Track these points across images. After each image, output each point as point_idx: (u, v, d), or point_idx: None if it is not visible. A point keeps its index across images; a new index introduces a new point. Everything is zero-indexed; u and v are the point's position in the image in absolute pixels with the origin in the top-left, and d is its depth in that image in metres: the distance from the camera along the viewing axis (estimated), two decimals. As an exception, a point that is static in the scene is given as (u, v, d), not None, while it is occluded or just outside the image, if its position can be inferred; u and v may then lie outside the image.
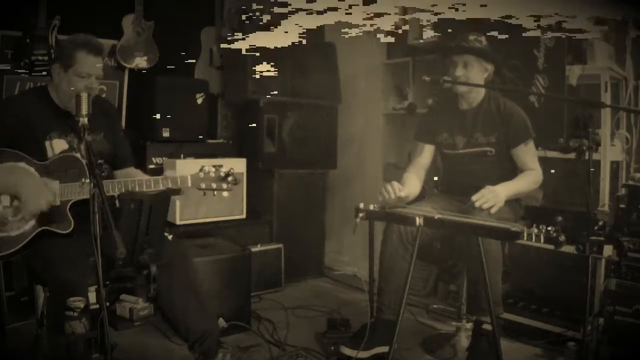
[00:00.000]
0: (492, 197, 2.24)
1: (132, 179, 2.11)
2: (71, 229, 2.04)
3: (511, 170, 2.53)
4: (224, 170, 2.13)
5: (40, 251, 2.01)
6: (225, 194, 2.15)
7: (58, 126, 2.15)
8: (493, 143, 2.55)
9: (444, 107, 2.75)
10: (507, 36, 2.79)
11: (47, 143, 2.12)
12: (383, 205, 2.35)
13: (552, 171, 2.68)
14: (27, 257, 2.09)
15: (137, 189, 2.07)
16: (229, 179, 2.14)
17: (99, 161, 2.19)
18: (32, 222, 2.01)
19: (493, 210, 2.22)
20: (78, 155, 2.12)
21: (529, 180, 2.48)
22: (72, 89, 2.06)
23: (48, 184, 2.01)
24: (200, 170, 2.13)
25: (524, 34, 2.78)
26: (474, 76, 2.51)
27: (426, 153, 2.71)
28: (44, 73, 2.96)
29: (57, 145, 2.13)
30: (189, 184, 2.11)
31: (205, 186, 2.13)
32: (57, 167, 2.06)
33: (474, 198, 2.23)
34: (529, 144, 2.52)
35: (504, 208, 2.31)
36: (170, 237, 2.02)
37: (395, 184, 2.39)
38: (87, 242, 1.92)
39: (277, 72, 3.62)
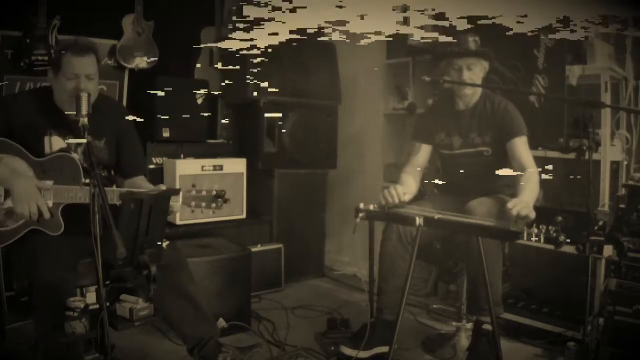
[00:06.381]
0: (526, 206, 2.11)
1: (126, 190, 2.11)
2: (61, 231, 2.03)
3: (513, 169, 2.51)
4: (216, 190, 2.13)
5: (26, 250, 2.01)
6: (211, 212, 2.17)
7: (57, 126, 2.15)
8: (489, 143, 2.54)
9: (441, 107, 2.75)
10: (506, 36, 2.79)
11: (46, 138, 2.12)
12: (383, 205, 2.34)
13: (549, 172, 2.65)
14: (15, 255, 2.10)
15: None
16: (219, 200, 2.14)
17: (102, 173, 2.20)
18: (22, 221, 2.01)
19: (532, 216, 2.10)
20: (75, 156, 2.11)
21: (536, 183, 2.38)
22: (65, 92, 2.07)
23: (40, 186, 1.99)
24: (193, 186, 2.14)
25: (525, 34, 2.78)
26: (476, 77, 2.51)
27: (423, 152, 2.70)
28: (40, 69, 2.96)
29: (56, 143, 2.13)
30: (180, 202, 2.11)
31: (195, 204, 2.14)
32: (52, 167, 2.06)
33: (509, 205, 2.08)
34: (523, 139, 2.47)
35: (503, 208, 2.30)
36: (165, 244, 2.02)
37: (399, 187, 2.38)
38: (77, 243, 1.92)
39: (277, 72, 3.62)
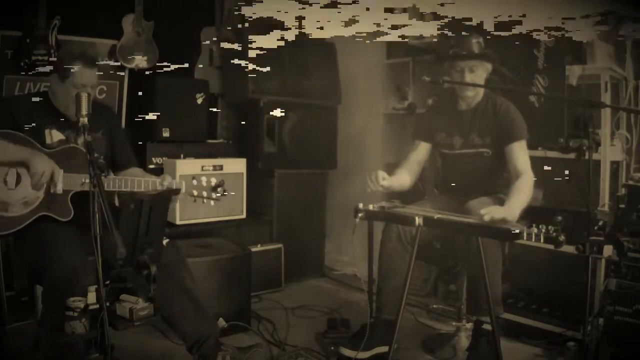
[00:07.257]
0: (500, 211, 2.11)
1: (130, 177, 2.21)
2: (70, 217, 2.12)
3: (509, 172, 2.51)
4: (215, 181, 2.30)
5: (36, 246, 2.05)
6: (212, 202, 2.31)
7: (56, 123, 2.25)
8: (489, 144, 2.53)
9: (443, 107, 2.74)
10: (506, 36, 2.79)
11: (46, 131, 2.23)
12: (382, 205, 2.34)
13: (548, 167, 2.64)
14: (25, 253, 2.14)
15: (135, 187, 2.17)
16: (219, 189, 2.30)
17: (100, 160, 2.29)
18: (32, 207, 2.08)
19: (510, 219, 2.12)
20: (82, 147, 2.18)
21: (529, 189, 2.36)
22: (68, 97, 2.17)
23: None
24: (194, 178, 2.28)
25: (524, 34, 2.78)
26: (479, 78, 2.50)
27: (421, 150, 2.69)
28: (40, 69, 3.01)
29: (55, 135, 2.25)
30: (183, 189, 2.26)
31: (197, 193, 2.28)
32: (62, 157, 2.16)
33: (482, 212, 2.09)
34: (522, 143, 2.46)
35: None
36: (165, 242, 2.05)
37: (380, 172, 2.37)
38: (86, 240, 1.95)
39: (277, 72, 3.62)
